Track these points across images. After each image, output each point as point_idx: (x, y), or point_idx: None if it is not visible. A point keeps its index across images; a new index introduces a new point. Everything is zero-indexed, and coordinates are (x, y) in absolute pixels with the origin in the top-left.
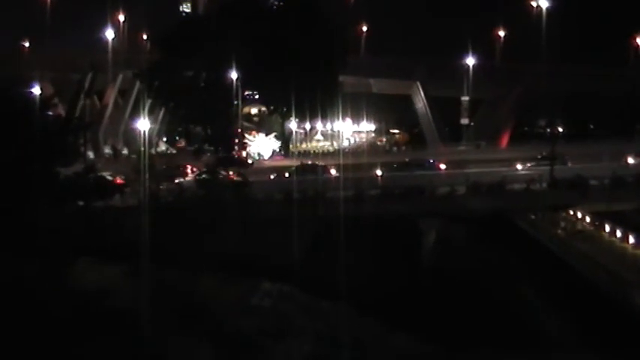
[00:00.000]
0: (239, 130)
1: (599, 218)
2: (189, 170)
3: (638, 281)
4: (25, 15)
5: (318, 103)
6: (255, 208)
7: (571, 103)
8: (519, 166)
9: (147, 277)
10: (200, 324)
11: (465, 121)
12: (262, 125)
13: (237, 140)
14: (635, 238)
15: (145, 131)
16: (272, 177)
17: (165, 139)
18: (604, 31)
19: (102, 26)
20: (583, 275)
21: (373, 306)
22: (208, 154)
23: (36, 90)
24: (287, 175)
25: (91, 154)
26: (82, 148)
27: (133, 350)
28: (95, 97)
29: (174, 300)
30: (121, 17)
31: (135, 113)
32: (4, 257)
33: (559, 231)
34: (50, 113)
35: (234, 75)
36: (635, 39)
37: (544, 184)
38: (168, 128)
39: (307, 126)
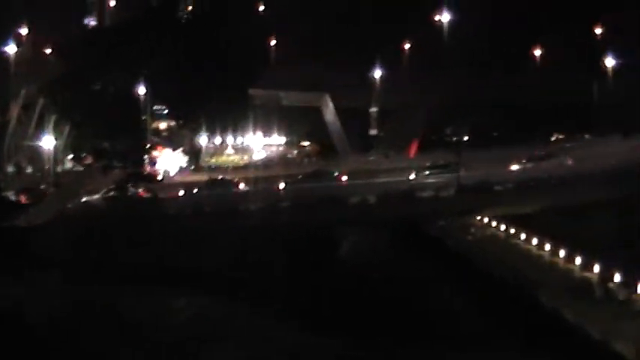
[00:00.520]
0: (148, 146)
1: (504, 222)
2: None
3: (542, 281)
4: None
5: (228, 116)
6: (166, 223)
7: (479, 110)
8: (412, 176)
9: (61, 292)
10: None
11: (374, 131)
12: (172, 140)
13: (146, 156)
14: (539, 240)
15: (49, 148)
16: (181, 193)
17: (71, 155)
18: (510, 40)
19: (3, 40)
20: (494, 278)
21: (293, 309)
22: (117, 171)
23: None
24: (196, 190)
25: None
26: None
27: None
28: None
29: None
30: (24, 31)
31: (39, 129)
32: None
33: (468, 236)
34: None
35: (142, 89)
36: (533, 49)
37: (451, 191)
38: (74, 144)
39: (218, 140)
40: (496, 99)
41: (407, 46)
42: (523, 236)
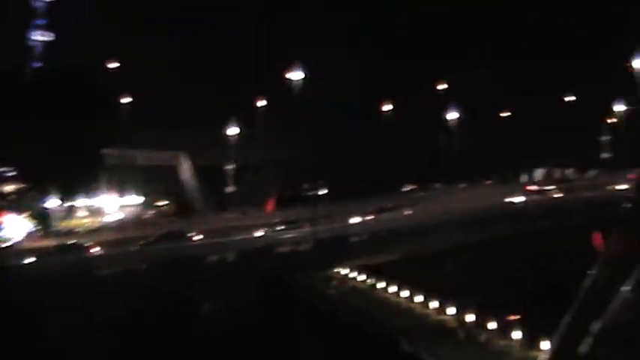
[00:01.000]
0: None
1: (362, 271)
2: None
3: (402, 327)
4: None
5: (81, 177)
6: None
7: (336, 164)
8: (261, 232)
9: None
10: None
11: (231, 189)
12: (19, 204)
13: None
14: (396, 288)
15: None
16: (31, 260)
17: None
18: (364, 95)
19: None
20: (359, 328)
21: None
22: None
23: None
24: (42, 257)
25: None
26: None
27: None
28: None
29: None
30: None
31: None
32: None
33: (330, 290)
34: None
35: None
36: (385, 104)
37: (309, 245)
38: None
39: (70, 202)
40: (352, 153)
41: (263, 103)
42: (381, 285)
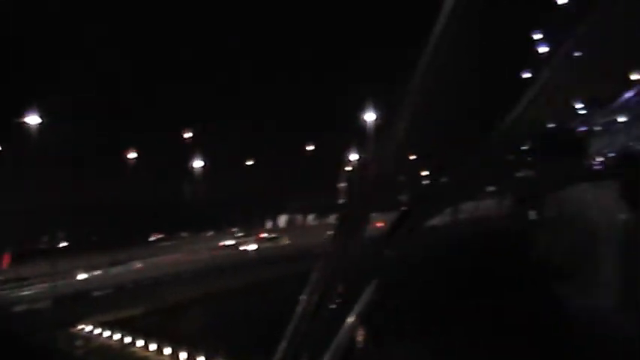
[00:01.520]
0: None
1: (107, 327)
2: None
3: None
4: None
5: None
6: None
7: (79, 215)
8: None
9: None
10: None
11: None
12: None
13: None
14: (143, 342)
15: None
16: None
17: None
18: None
19: None
20: None
21: None
22: None
23: None
24: None
25: None
26: None
27: None
28: None
29: None
30: None
31: None
32: None
33: (77, 349)
34: None
35: None
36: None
37: (48, 302)
38: None
39: None
40: (97, 202)
41: None
42: (127, 340)
